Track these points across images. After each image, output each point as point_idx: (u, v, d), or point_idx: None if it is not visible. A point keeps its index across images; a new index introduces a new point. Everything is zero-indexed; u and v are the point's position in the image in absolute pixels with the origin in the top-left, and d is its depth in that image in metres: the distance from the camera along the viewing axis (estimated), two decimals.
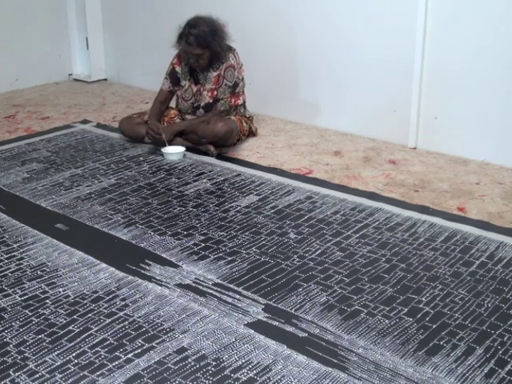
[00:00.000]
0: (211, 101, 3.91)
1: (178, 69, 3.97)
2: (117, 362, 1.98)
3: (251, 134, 4.13)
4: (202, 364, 1.97)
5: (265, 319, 2.21)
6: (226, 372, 1.94)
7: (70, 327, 2.16)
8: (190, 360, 1.99)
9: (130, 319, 2.21)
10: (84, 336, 2.11)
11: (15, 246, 2.74)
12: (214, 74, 3.88)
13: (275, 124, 4.43)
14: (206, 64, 3.82)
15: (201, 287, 2.41)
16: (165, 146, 3.76)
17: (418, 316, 2.22)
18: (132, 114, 4.14)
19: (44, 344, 2.08)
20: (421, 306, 2.28)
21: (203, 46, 3.72)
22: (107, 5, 5.57)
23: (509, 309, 2.25)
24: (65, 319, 2.21)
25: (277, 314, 2.23)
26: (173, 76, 3.99)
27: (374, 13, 3.92)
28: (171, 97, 4.03)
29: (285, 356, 2.01)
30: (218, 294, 2.35)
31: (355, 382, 1.89)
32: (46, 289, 2.40)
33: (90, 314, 2.24)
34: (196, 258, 2.63)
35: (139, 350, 2.04)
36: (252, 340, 2.09)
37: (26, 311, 2.26)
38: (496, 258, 2.59)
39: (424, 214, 3.00)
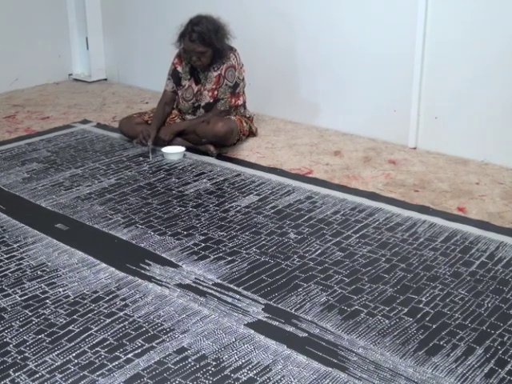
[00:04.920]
0: (211, 101, 3.91)
1: (179, 68, 3.97)
2: (117, 362, 1.98)
3: (251, 134, 4.13)
4: (201, 364, 1.97)
5: (265, 319, 2.20)
6: (226, 372, 1.94)
7: (70, 327, 2.16)
8: (189, 360, 1.99)
9: (130, 319, 2.21)
10: (84, 336, 2.11)
11: (15, 246, 2.74)
12: (215, 73, 3.88)
13: (275, 124, 4.43)
14: (208, 62, 3.82)
15: (201, 287, 2.41)
16: (148, 157, 3.74)
17: (418, 316, 2.22)
18: (132, 114, 4.14)
19: (44, 344, 2.08)
20: (421, 306, 2.28)
21: (206, 43, 3.72)
22: (107, 5, 5.57)
23: (509, 309, 2.25)
24: (65, 319, 2.21)
25: (277, 314, 2.23)
26: (175, 76, 3.98)
27: (373, 13, 3.92)
28: (176, 97, 4.02)
29: (285, 356, 2.01)
30: (218, 294, 2.35)
31: (355, 382, 1.89)
32: (46, 289, 2.40)
33: (90, 314, 2.24)
34: (196, 257, 2.63)
35: (139, 350, 2.04)
36: (252, 340, 2.09)
37: (26, 311, 2.26)
38: (496, 258, 2.59)
39: (424, 213, 3.00)
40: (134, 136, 3.95)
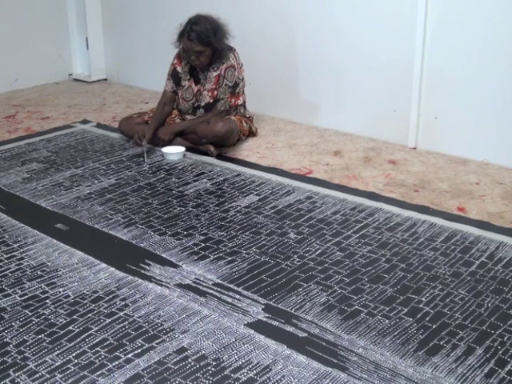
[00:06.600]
0: (211, 101, 3.91)
1: (178, 68, 3.97)
2: (117, 362, 1.98)
3: (251, 134, 4.13)
4: (201, 364, 1.97)
5: (265, 319, 2.20)
6: (226, 372, 1.94)
7: (70, 327, 2.16)
8: (189, 360, 1.99)
9: (130, 319, 2.21)
10: (84, 336, 2.11)
11: (15, 246, 2.74)
12: (215, 73, 3.88)
13: (275, 124, 4.43)
14: (207, 62, 3.82)
15: (201, 287, 2.41)
16: (143, 160, 3.73)
17: (418, 316, 2.22)
18: (132, 114, 4.14)
19: (44, 344, 2.08)
20: (421, 306, 2.28)
21: (205, 43, 3.72)
22: (107, 5, 5.58)
23: (509, 309, 2.25)
24: (65, 319, 2.21)
25: (277, 314, 2.23)
26: (175, 76, 3.98)
27: (374, 13, 3.92)
28: (175, 97, 4.02)
29: (285, 356, 2.01)
30: (217, 294, 2.35)
31: (355, 382, 1.89)
32: (46, 289, 2.40)
33: (90, 314, 2.24)
34: (196, 258, 2.63)
35: (139, 350, 2.04)
36: (252, 340, 2.09)
37: (26, 311, 2.26)
38: (496, 258, 2.59)
39: (424, 214, 3.00)
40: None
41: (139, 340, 2.09)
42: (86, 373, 1.94)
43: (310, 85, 4.36)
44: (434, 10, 3.64)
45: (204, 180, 3.45)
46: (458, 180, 3.42)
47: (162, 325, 2.17)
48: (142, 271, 2.52)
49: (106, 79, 5.81)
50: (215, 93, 3.90)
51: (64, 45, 5.77)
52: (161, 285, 2.42)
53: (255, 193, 3.28)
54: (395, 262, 2.58)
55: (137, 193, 3.30)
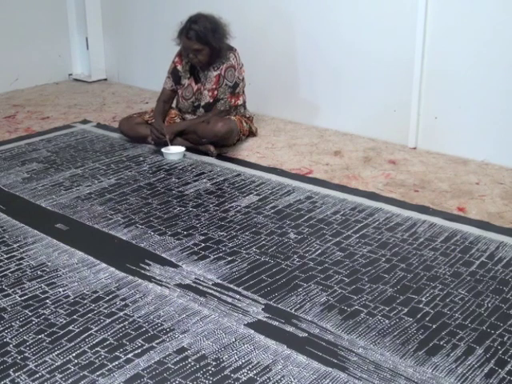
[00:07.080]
0: (211, 100, 3.91)
1: (179, 67, 3.97)
2: (117, 362, 1.98)
3: (251, 134, 4.13)
4: (201, 364, 1.97)
5: (265, 319, 2.21)
6: (226, 372, 1.94)
7: (70, 327, 2.16)
8: (189, 360, 1.99)
9: (130, 319, 2.21)
10: (84, 336, 2.11)
11: (15, 246, 2.74)
12: (215, 73, 3.88)
13: (275, 124, 4.43)
14: (206, 61, 3.82)
15: (201, 287, 2.41)
16: (167, 145, 3.77)
17: (418, 316, 2.22)
18: (132, 114, 4.14)
19: (44, 344, 2.08)
20: (421, 306, 2.28)
21: (203, 41, 3.72)
22: (107, 5, 5.58)
23: (509, 309, 2.25)
24: (65, 319, 2.21)
25: (277, 314, 2.23)
26: (175, 75, 3.99)
27: (374, 12, 3.92)
28: (174, 95, 4.03)
29: (285, 356, 2.01)
30: (217, 294, 2.35)
31: (355, 382, 1.89)
32: (46, 289, 2.40)
33: (90, 314, 2.24)
34: (196, 258, 2.63)
35: (139, 350, 2.04)
36: (252, 340, 2.09)
37: (26, 311, 2.26)
38: (496, 258, 2.59)
39: (424, 214, 3.00)
40: (134, 136, 3.96)
41: (139, 340, 2.09)
42: (86, 373, 1.94)
43: (309, 85, 4.37)
44: (434, 10, 3.65)
45: (204, 180, 3.45)
46: (458, 180, 3.42)
47: (161, 325, 2.17)
48: (142, 271, 2.52)
49: (106, 79, 5.81)
50: (215, 93, 3.90)
51: (64, 45, 5.77)
52: (161, 285, 2.42)
53: (255, 193, 3.28)
54: (395, 262, 2.58)
55: (137, 193, 3.30)
